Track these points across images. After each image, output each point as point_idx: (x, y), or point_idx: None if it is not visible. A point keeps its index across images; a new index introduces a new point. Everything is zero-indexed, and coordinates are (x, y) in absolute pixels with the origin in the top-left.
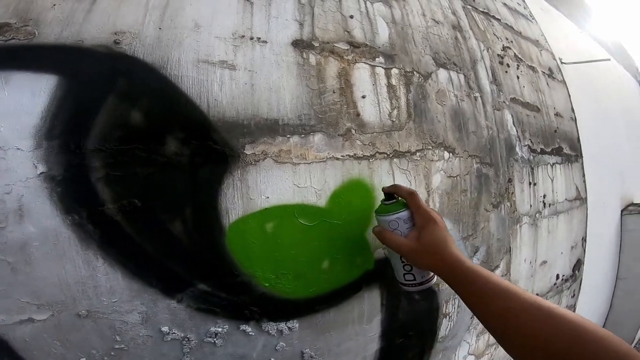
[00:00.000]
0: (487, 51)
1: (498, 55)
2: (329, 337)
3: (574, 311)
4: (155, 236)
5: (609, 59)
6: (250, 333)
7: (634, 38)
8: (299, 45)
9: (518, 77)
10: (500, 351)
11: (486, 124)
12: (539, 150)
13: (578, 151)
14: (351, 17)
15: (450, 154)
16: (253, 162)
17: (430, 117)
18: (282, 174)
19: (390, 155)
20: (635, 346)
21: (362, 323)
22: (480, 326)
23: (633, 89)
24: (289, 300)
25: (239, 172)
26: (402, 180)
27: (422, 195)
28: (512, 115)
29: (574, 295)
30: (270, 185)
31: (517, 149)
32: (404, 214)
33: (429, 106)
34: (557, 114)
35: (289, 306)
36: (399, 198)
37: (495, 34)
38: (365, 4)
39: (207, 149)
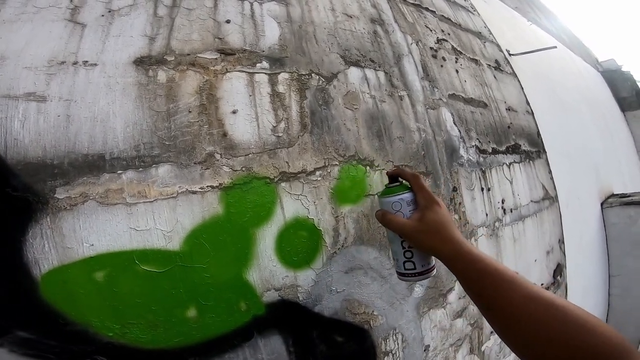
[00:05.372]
0: (417, 44)
1: (431, 48)
2: None
3: None
4: None
5: (555, 47)
6: None
7: (589, 30)
8: (145, 62)
9: (457, 71)
10: None
11: (417, 126)
12: (490, 150)
13: (540, 146)
14: (227, 21)
15: (368, 168)
16: (68, 207)
17: (335, 126)
18: (112, 217)
19: (275, 180)
20: None
21: None
22: (440, 356)
23: (594, 79)
24: (148, 350)
25: (48, 219)
26: (296, 208)
27: (329, 223)
28: (451, 114)
29: None
30: (95, 231)
31: (462, 151)
32: (407, 195)
33: (333, 112)
34: (509, 109)
35: (149, 356)
36: (402, 181)
37: (427, 27)
38: (252, 5)
39: (3, 197)
